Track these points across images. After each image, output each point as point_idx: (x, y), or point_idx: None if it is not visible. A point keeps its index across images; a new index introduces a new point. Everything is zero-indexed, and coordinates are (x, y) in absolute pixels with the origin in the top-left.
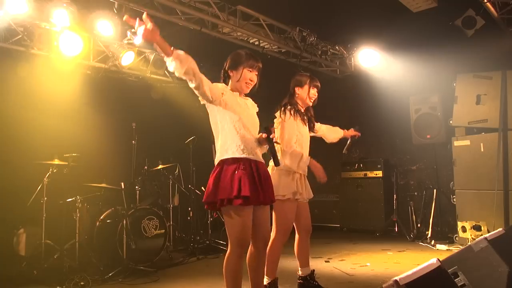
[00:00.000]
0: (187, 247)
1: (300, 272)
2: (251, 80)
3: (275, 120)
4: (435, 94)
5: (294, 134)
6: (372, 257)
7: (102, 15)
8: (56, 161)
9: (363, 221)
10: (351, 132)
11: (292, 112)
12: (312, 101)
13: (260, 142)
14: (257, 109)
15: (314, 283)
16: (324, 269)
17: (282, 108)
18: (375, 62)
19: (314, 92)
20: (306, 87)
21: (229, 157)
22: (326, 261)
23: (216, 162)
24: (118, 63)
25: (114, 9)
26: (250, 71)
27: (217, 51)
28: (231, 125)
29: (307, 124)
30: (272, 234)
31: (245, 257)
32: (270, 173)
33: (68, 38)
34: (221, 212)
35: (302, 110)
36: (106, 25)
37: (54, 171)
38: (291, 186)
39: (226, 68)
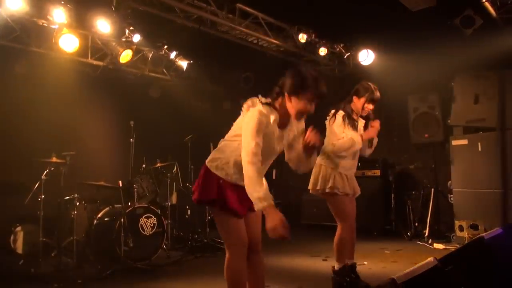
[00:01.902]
0: (185, 245)
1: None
2: (309, 112)
3: (326, 122)
4: (434, 93)
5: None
6: (369, 256)
7: (100, 13)
8: (54, 159)
9: (361, 220)
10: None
11: (343, 118)
12: (366, 113)
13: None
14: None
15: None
16: (322, 268)
17: (333, 111)
18: (374, 61)
19: (370, 106)
20: (363, 99)
21: (218, 175)
22: (324, 260)
23: (211, 162)
24: (116, 60)
25: (113, 7)
26: (311, 104)
27: (216, 49)
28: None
29: (357, 130)
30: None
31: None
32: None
33: (66, 35)
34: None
35: (355, 117)
36: (104, 23)
37: (52, 169)
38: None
39: (284, 89)
